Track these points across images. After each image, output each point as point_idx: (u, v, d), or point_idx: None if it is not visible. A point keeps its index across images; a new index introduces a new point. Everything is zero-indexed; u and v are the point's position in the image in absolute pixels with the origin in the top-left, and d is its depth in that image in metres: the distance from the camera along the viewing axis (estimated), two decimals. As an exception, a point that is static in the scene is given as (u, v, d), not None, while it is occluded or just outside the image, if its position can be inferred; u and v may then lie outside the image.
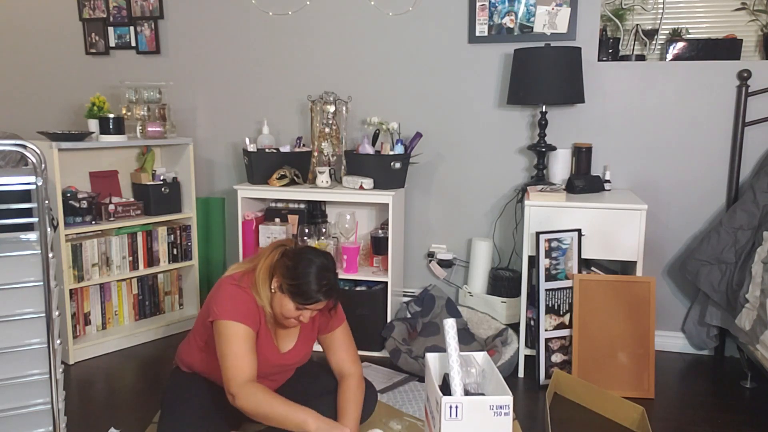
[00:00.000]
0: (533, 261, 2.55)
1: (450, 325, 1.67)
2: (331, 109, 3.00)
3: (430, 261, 3.12)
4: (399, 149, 2.85)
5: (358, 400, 1.93)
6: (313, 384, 2.06)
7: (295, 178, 2.91)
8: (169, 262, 3.10)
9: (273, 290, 1.86)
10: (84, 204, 2.78)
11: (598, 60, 2.88)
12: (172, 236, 3.11)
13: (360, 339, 2.82)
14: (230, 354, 1.77)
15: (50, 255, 1.53)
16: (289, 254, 1.86)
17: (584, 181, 2.70)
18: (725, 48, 2.88)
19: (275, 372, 1.98)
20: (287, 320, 1.86)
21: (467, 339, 2.78)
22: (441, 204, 3.13)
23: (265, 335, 1.91)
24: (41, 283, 1.53)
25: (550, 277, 2.51)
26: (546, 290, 2.51)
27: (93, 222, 2.83)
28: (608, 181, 2.82)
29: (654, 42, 3.05)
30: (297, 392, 2.06)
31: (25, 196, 1.52)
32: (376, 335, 2.80)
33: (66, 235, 2.70)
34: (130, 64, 3.45)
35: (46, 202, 1.52)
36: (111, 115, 2.89)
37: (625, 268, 2.72)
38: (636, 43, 3.07)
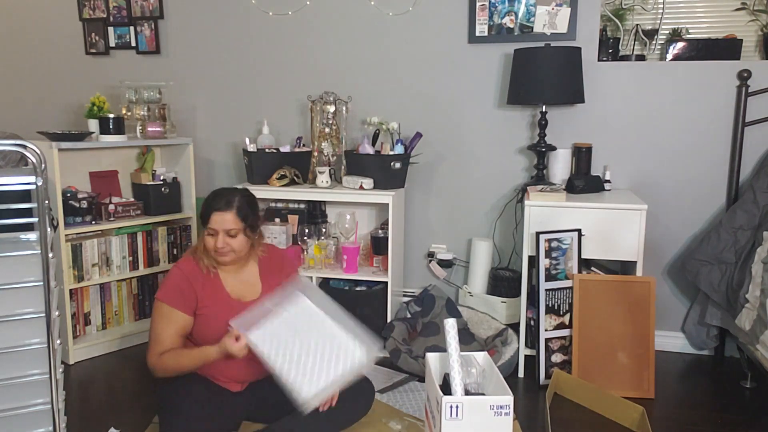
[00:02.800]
0: (533, 261, 2.55)
1: (451, 325, 1.67)
2: (331, 109, 3.00)
3: (430, 261, 3.12)
4: (399, 149, 2.85)
5: None
6: None
7: (295, 178, 2.91)
8: (169, 262, 3.10)
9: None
10: (84, 204, 2.78)
11: (598, 60, 2.88)
12: (172, 236, 3.11)
13: (360, 339, 2.83)
14: (153, 334, 2.00)
15: (50, 255, 1.53)
16: None
17: (584, 181, 2.70)
18: (725, 48, 2.88)
19: None
20: (213, 253, 2.02)
21: (467, 339, 2.78)
22: (441, 204, 3.13)
23: (215, 292, 2.03)
24: (41, 283, 1.53)
25: (550, 277, 2.51)
26: (546, 290, 2.51)
27: (93, 222, 2.82)
28: (608, 181, 2.82)
29: (654, 42, 3.05)
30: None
31: (25, 196, 1.52)
32: (376, 335, 2.80)
33: (66, 235, 2.70)
34: (130, 64, 3.45)
35: (46, 202, 1.52)
36: (111, 115, 2.89)
37: (625, 268, 2.72)
38: (636, 43, 3.07)
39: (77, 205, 2.76)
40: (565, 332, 2.54)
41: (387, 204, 2.79)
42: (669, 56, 2.96)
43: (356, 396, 2.07)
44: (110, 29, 3.43)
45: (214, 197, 2.02)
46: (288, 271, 2.19)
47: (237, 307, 2.00)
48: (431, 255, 3.13)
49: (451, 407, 1.56)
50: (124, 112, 3.06)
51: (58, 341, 1.58)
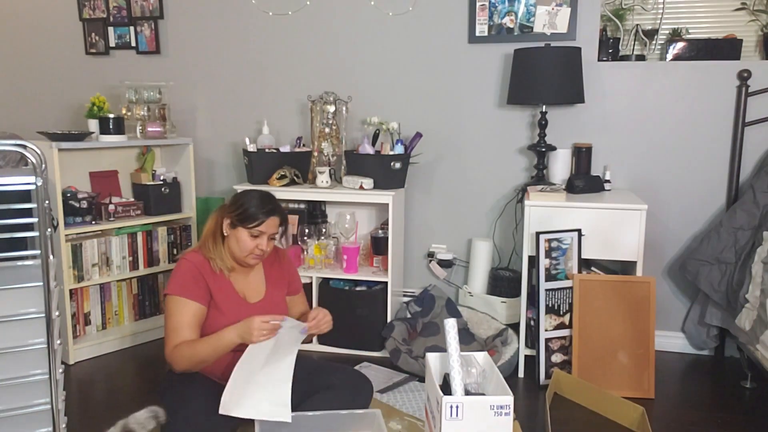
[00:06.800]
0: (533, 261, 2.55)
1: (451, 325, 1.67)
2: (331, 109, 3.00)
3: (430, 261, 3.12)
4: (399, 149, 2.85)
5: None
6: (314, 380, 2.06)
7: (295, 178, 2.91)
8: (169, 262, 3.10)
9: (226, 234, 1.99)
10: (84, 204, 2.78)
11: (598, 60, 2.88)
12: (172, 236, 3.11)
13: (360, 339, 2.84)
14: (169, 327, 1.92)
15: (50, 255, 1.53)
16: (230, 199, 2.07)
17: (584, 181, 2.70)
18: (725, 48, 2.87)
19: None
20: (249, 256, 1.97)
21: (467, 339, 2.78)
22: (441, 204, 3.13)
23: (225, 289, 2.00)
24: (41, 284, 1.53)
25: (550, 277, 2.51)
26: (546, 290, 2.51)
27: (93, 222, 2.82)
28: (608, 181, 2.81)
29: (654, 42, 3.05)
30: (299, 390, 2.06)
31: (25, 196, 1.52)
32: (376, 335, 2.80)
33: (66, 235, 2.70)
34: (130, 64, 3.45)
35: (46, 202, 1.52)
36: (111, 115, 2.89)
37: (625, 268, 2.72)
38: (636, 43, 3.07)
39: (77, 205, 2.76)
40: (565, 332, 2.54)
41: (387, 204, 2.79)
42: (669, 56, 2.96)
43: (354, 394, 2.07)
44: (110, 29, 3.43)
45: (263, 200, 1.99)
46: (287, 263, 2.21)
47: (246, 308, 2.00)
48: (431, 255, 3.13)
49: (451, 407, 1.55)
50: (124, 112, 3.06)
51: (58, 341, 1.58)
